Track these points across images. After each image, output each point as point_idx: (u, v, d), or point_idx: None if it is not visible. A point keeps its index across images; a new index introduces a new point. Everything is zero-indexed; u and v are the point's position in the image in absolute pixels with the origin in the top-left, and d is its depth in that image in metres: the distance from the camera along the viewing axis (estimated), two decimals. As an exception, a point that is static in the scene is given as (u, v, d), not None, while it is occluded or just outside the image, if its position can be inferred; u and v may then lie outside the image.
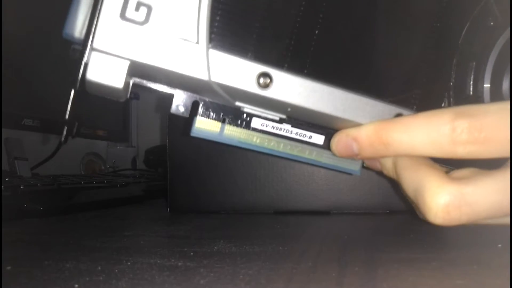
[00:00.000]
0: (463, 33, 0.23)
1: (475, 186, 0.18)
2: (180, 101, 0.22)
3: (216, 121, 0.22)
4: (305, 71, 0.21)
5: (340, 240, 0.28)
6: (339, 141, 0.22)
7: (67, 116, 0.20)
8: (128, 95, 0.21)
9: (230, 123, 0.22)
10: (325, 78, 0.21)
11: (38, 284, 0.17)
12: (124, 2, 0.18)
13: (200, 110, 0.22)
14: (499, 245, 0.23)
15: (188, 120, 0.22)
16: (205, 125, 0.22)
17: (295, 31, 0.20)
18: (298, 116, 0.23)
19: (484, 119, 0.18)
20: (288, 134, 0.23)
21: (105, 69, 0.18)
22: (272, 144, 0.23)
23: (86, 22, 0.19)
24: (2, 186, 0.38)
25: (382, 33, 0.22)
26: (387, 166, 0.22)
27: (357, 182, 0.39)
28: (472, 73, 0.23)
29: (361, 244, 0.26)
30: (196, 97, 0.22)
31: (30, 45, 0.50)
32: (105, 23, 0.18)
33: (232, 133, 0.22)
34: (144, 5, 0.18)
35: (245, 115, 0.22)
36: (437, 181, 0.19)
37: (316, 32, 0.21)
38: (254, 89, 0.20)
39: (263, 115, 0.22)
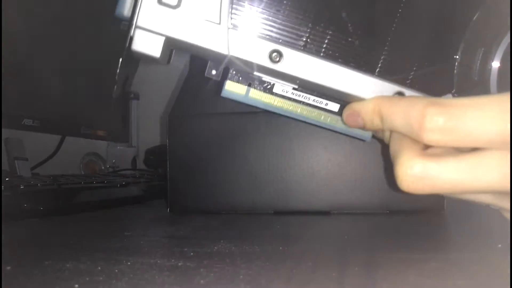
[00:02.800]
0: (473, 19, 0.23)
1: (438, 163, 0.20)
2: (214, 66, 0.26)
3: (243, 85, 0.26)
4: (321, 54, 0.24)
5: (340, 240, 0.28)
6: (348, 114, 0.25)
7: (117, 77, 0.27)
8: (169, 61, 0.25)
9: (255, 88, 0.26)
10: (333, 58, 0.24)
11: (38, 284, 0.17)
12: None
13: (230, 75, 0.26)
14: (499, 245, 0.23)
15: (219, 83, 0.26)
16: (234, 88, 0.26)
17: (310, 19, 0.23)
18: (307, 88, 0.26)
19: (453, 110, 0.19)
20: (306, 100, 0.26)
21: (145, 42, 0.23)
22: (291, 108, 0.26)
23: (132, 5, 0.23)
24: (2, 186, 0.38)
25: (390, 18, 0.24)
26: (385, 136, 0.25)
27: (357, 182, 0.39)
28: (479, 58, 0.24)
29: (361, 244, 0.27)
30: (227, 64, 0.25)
31: (30, 45, 0.50)
32: (146, 7, 0.23)
33: (256, 96, 0.26)
34: None
35: (268, 82, 0.26)
36: (409, 153, 0.21)
37: (328, 19, 0.23)
38: (265, 63, 0.24)
39: (278, 83, 0.26)
